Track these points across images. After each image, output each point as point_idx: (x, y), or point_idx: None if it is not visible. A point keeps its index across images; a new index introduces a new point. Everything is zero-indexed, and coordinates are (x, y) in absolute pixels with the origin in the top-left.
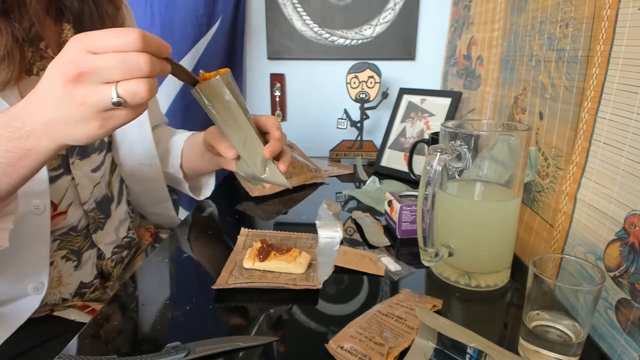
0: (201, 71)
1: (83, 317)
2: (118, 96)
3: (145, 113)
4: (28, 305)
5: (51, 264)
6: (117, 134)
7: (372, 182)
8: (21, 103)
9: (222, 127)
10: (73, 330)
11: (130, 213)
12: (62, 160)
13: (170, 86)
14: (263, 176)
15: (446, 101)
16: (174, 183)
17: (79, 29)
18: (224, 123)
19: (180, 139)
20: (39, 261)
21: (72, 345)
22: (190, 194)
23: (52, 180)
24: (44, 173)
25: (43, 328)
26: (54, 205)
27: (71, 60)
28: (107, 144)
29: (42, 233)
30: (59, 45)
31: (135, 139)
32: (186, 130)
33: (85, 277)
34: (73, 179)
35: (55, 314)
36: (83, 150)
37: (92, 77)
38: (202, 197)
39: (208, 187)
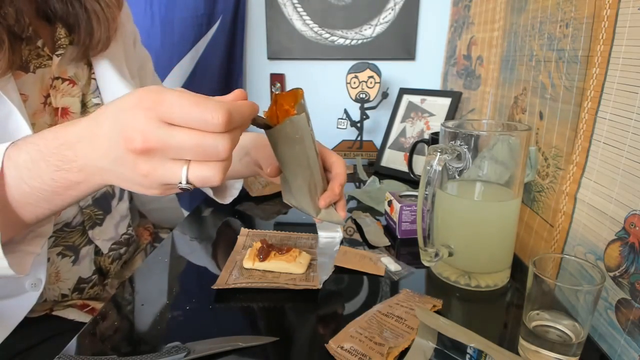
0: (274, 91)
1: (82, 317)
2: (188, 182)
3: None
4: (26, 302)
5: (47, 260)
6: None
7: (372, 182)
8: (75, 130)
9: (288, 163)
10: (72, 330)
11: (130, 210)
12: None
13: (177, 78)
14: (319, 216)
15: (446, 101)
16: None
17: (70, 31)
18: (292, 162)
19: None
20: (37, 257)
21: (72, 345)
22: (214, 198)
23: None
24: None
25: (42, 327)
26: None
27: (140, 130)
28: None
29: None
30: (54, 44)
31: None
32: None
33: (83, 273)
34: None
35: (54, 313)
36: None
37: (162, 153)
38: (228, 201)
39: (235, 187)
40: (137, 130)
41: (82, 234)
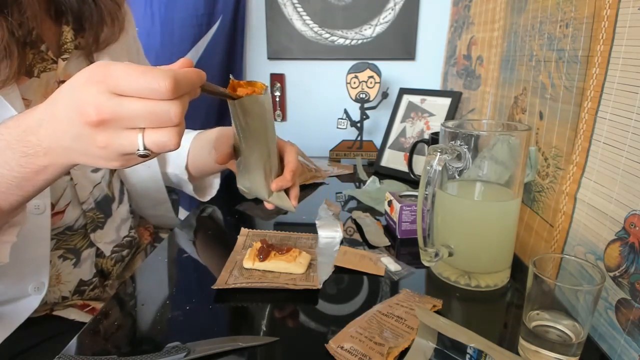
0: (231, 77)
1: (83, 317)
2: (145, 148)
3: None
4: (28, 305)
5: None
6: None
7: (372, 182)
8: (35, 115)
9: (248, 140)
10: (73, 330)
11: (131, 213)
12: None
13: None
14: (270, 199)
15: (446, 101)
16: (178, 184)
17: (79, 30)
18: (252, 137)
19: (186, 139)
20: (40, 261)
21: (72, 345)
22: (195, 196)
23: None
24: None
25: (43, 327)
26: (51, 205)
27: (92, 103)
28: None
29: (42, 233)
30: (59, 47)
31: None
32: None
33: (84, 275)
34: (71, 179)
35: (55, 313)
36: None
37: (116, 124)
38: (207, 198)
39: (213, 187)
40: (90, 104)
41: (84, 236)
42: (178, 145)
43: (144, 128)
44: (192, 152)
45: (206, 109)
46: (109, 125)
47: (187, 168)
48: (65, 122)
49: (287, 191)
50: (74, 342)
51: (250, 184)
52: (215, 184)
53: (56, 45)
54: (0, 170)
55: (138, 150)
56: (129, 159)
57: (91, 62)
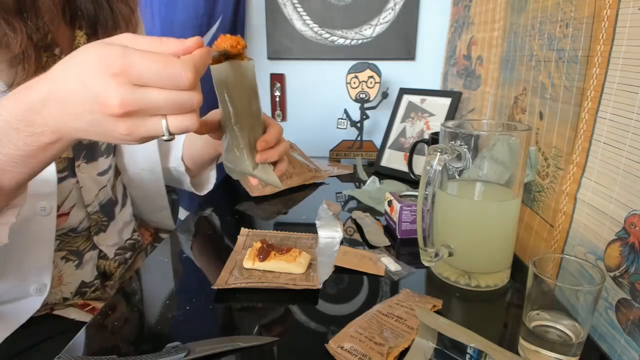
0: (221, 35)
1: (83, 316)
2: (170, 133)
3: None
4: (29, 306)
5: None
6: None
7: (372, 182)
8: (35, 94)
9: (231, 109)
10: (73, 329)
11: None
12: (68, 163)
13: None
14: (255, 172)
15: (446, 101)
16: (176, 181)
17: (93, 34)
18: (234, 106)
19: None
20: (43, 262)
21: (72, 345)
22: (192, 190)
23: (57, 182)
24: (52, 175)
25: (43, 327)
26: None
27: (115, 97)
28: (113, 148)
29: (46, 234)
30: (72, 51)
31: (140, 145)
32: None
33: (86, 277)
34: (78, 181)
35: (55, 312)
36: (90, 154)
37: (140, 114)
38: (204, 192)
39: (210, 181)
40: (112, 97)
41: (87, 239)
42: (198, 125)
43: (166, 114)
44: (186, 141)
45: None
46: (132, 115)
47: (182, 159)
48: (79, 107)
49: (273, 167)
50: (73, 342)
51: (234, 156)
52: (211, 177)
53: (69, 48)
54: (5, 149)
55: (163, 135)
56: (150, 138)
57: None
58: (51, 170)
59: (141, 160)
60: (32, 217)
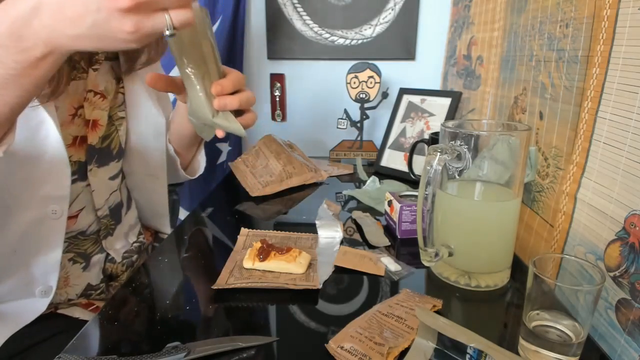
0: None
1: (86, 315)
2: (174, 27)
3: (164, 127)
4: (34, 307)
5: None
6: (133, 144)
7: (372, 182)
8: (28, 4)
9: (184, 57)
10: (76, 328)
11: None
12: (79, 167)
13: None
14: (215, 119)
15: (446, 101)
16: (171, 169)
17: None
18: (187, 53)
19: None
20: (50, 265)
21: (72, 344)
22: (187, 177)
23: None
24: (66, 179)
25: (46, 325)
26: None
27: None
28: (124, 152)
29: (56, 237)
30: (90, 58)
31: (150, 150)
32: None
33: (92, 280)
34: (88, 185)
35: (59, 311)
36: (103, 159)
37: (148, 7)
38: (196, 175)
39: (201, 164)
40: None
41: (95, 242)
42: (194, 19)
43: (167, 9)
44: (171, 124)
45: None
46: (141, 8)
47: (170, 142)
48: (82, 8)
49: (237, 116)
50: (74, 341)
51: (194, 106)
52: (202, 160)
53: (88, 55)
54: None
55: (167, 30)
56: (150, 37)
57: (118, 76)
58: (66, 173)
59: (149, 165)
60: (42, 219)
